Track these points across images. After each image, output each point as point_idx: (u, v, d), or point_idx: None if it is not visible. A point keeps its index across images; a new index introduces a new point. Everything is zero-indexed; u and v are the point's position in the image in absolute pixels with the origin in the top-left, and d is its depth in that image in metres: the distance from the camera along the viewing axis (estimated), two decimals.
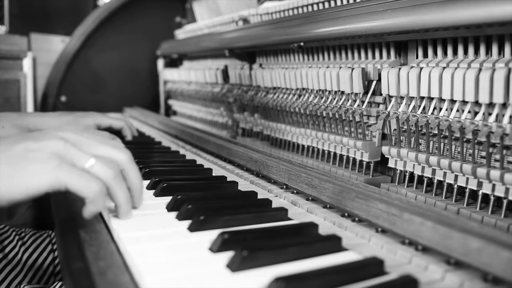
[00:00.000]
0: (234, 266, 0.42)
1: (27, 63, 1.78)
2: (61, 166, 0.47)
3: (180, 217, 0.56)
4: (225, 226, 0.53)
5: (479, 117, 0.59)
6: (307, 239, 0.50)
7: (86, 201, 0.48)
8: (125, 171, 0.55)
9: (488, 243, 0.41)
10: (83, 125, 1.00)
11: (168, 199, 0.63)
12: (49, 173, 0.47)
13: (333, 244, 0.49)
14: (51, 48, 1.85)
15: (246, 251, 0.42)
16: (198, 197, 0.63)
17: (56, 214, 0.61)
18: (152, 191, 0.68)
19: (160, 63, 1.85)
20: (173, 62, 1.79)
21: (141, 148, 1.08)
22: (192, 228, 0.52)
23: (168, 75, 1.73)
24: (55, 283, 0.66)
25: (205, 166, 0.87)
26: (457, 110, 0.62)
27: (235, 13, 1.24)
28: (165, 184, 0.67)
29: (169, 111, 1.83)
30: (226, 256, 0.45)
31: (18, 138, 0.50)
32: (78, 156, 0.50)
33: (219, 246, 0.46)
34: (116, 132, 1.07)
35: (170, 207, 0.60)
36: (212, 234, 0.50)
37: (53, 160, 0.48)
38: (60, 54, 1.76)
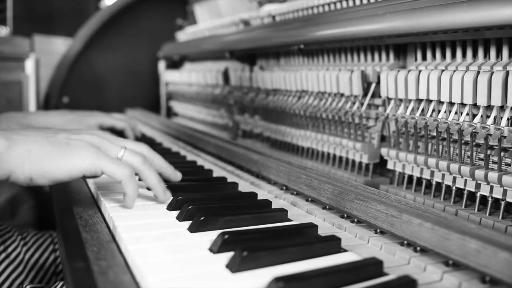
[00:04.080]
0: (234, 266, 0.43)
1: (30, 65, 1.78)
2: (99, 154, 0.56)
3: (180, 218, 0.57)
4: (225, 226, 0.54)
5: (477, 119, 0.59)
6: (306, 240, 0.51)
7: (122, 183, 0.57)
8: (149, 159, 0.65)
9: (486, 244, 0.41)
10: (86, 124, 1.02)
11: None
12: (89, 158, 0.55)
13: (333, 245, 0.50)
14: (54, 49, 1.86)
15: (246, 251, 0.43)
16: (198, 198, 0.63)
17: (58, 215, 0.61)
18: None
19: (162, 64, 1.86)
20: (175, 64, 1.79)
21: None
22: (192, 229, 0.53)
23: (169, 77, 1.74)
24: (57, 283, 0.67)
25: (205, 167, 0.88)
26: (456, 113, 0.63)
27: (235, 15, 1.24)
28: (165, 185, 0.67)
29: (170, 113, 1.84)
30: (226, 256, 0.45)
31: (57, 130, 0.59)
32: (110, 147, 0.60)
33: (219, 247, 0.47)
34: (119, 133, 1.08)
35: (171, 208, 0.61)
36: (212, 235, 0.50)
37: (92, 148, 0.57)
38: (63, 56, 1.77)
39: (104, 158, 0.56)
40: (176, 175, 0.68)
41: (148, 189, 0.66)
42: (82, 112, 1.06)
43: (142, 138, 1.27)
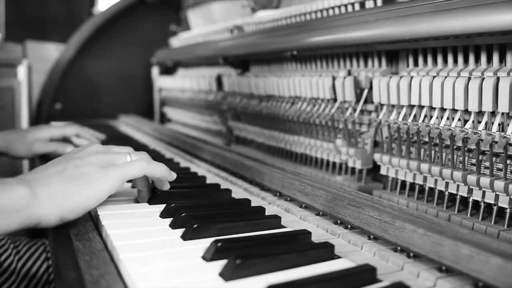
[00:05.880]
0: (227, 274, 0.42)
1: (22, 71, 1.78)
2: (113, 171, 0.56)
3: (173, 225, 0.56)
4: (218, 234, 0.54)
5: (468, 125, 0.60)
6: (300, 247, 0.50)
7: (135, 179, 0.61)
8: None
9: (479, 250, 0.41)
10: (31, 139, 0.96)
11: (161, 207, 0.63)
12: (109, 179, 0.55)
13: (326, 251, 0.49)
14: (47, 55, 1.85)
15: (239, 259, 0.42)
16: (191, 205, 0.63)
17: None
18: None
19: (155, 70, 1.86)
20: (168, 70, 1.79)
21: None
22: (185, 237, 0.52)
23: (163, 83, 1.74)
24: None
25: (199, 174, 0.87)
26: (447, 118, 0.63)
27: (229, 21, 1.25)
28: (158, 192, 0.67)
29: (164, 119, 1.84)
30: (220, 264, 0.45)
31: (61, 160, 0.57)
32: (118, 158, 0.59)
33: (212, 255, 0.46)
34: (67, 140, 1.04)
35: (163, 215, 0.61)
36: (205, 242, 0.50)
37: (104, 169, 0.56)
38: (56, 62, 1.76)
39: (118, 170, 0.57)
40: (171, 175, 0.65)
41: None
42: (25, 129, 1.00)
43: (136, 145, 1.26)
